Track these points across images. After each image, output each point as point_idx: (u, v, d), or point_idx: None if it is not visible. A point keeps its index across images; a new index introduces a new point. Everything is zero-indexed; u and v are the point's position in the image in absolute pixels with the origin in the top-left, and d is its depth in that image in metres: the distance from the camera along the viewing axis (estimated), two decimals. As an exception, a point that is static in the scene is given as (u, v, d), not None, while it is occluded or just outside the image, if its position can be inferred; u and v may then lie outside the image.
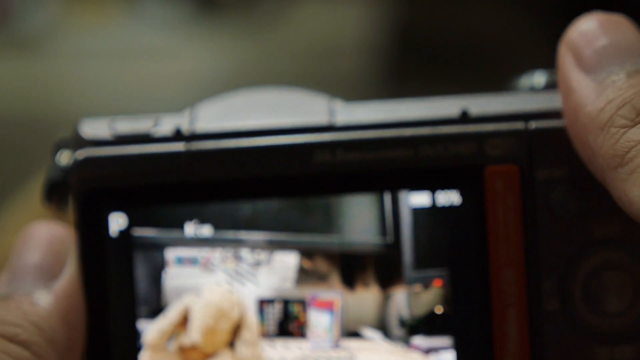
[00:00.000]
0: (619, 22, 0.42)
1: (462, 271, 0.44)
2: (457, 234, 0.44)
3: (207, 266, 0.45)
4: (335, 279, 0.45)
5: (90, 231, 0.44)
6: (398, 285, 0.45)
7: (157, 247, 0.45)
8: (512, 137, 0.43)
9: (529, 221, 0.44)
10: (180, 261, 0.45)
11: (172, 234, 0.45)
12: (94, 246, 0.44)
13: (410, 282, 0.45)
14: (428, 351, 0.45)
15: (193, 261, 0.45)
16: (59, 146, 0.45)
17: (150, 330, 0.45)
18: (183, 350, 0.45)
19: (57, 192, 0.45)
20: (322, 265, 0.45)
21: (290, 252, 0.45)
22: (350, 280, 0.45)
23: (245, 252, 0.45)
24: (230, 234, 0.45)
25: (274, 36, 1.73)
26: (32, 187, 1.20)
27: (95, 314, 0.44)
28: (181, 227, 0.45)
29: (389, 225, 0.45)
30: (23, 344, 0.40)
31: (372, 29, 1.66)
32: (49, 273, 0.43)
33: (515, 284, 0.43)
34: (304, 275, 0.45)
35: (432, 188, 0.44)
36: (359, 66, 1.65)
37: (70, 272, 0.43)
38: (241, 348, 0.45)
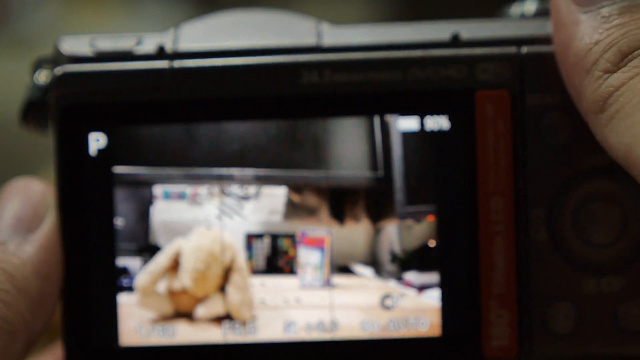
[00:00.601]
0: None
1: (450, 199, 0.43)
2: (445, 161, 0.43)
3: (194, 200, 0.44)
4: (324, 213, 0.44)
5: (69, 149, 0.43)
6: (389, 219, 0.44)
7: (144, 184, 0.44)
8: (503, 62, 0.43)
9: (518, 148, 0.43)
10: (168, 196, 0.44)
11: (160, 170, 0.44)
12: (72, 165, 0.43)
13: (403, 217, 0.44)
14: (421, 288, 0.44)
15: (180, 196, 0.44)
16: (38, 65, 0.44)
17: (141, 273, 0.44)
18: (173, 294, 0.44)
19: (35, 112, 0.44)
20: (311, 199, 0.44)
21: (279, 186, 0.44)
22: (339, 214, 0.44)
23: (233, 187, 0.44)
24: (218, 170, 0.44)
25: (274, 37, 1.73)
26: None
27: (72, 236, 0.43)
28: (169, 163, 0.44)
29: (379, 158, 0.44)
30: None
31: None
32: (26, 225, 0.42)
33: (503, 212, 0.43)
34: (293, 210, 0.44)
35: (421, 112, 0.43)
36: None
37: (48, 226, 0.42)
38: (232, 292, 0.44)
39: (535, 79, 0.42)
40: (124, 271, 0.44)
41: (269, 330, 0.44)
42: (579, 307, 0.43)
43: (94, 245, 0.43)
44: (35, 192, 0.43)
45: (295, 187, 0.44)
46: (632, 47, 0.37)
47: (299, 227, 0.44)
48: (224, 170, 0.44)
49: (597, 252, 0.43)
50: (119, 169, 0.44)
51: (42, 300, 0.41)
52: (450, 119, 0.43)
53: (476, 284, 0.43)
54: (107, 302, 0.43)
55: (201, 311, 0.44)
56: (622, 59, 0.37)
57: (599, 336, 0.43)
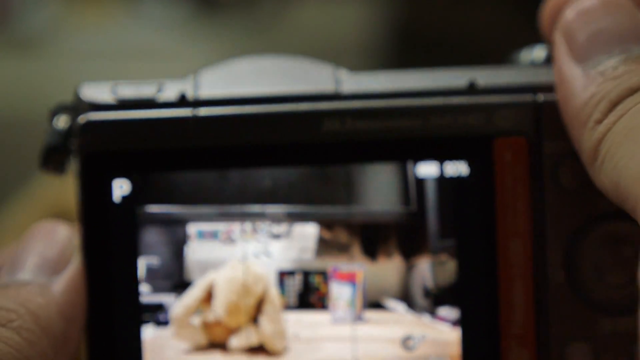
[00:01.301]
0: (615, 3, 0.41)
1: (470, 242, 0.44)
2: (464, 205, 0.44)
3: (227, 239, 0.45)
4: (356, 250, 0.45)
5: (93, 196, 0.43)
6: (422, 254, 0.44)
7: (178, 223, 0.45)
8: (520, 109, 0.43)
9: (536, 193, 0.44)
10: (202, 235, 0.45)
11: (192, 209, 0.45)
12: (96, 211, 0.43)
13: (436, 252, 0.44)
14: (455, 323, 0.44)
15: (213, 235, 0.45)
16: (57, 111, 0.45)
17: (176, 306, 0.44)
18: (207, 326, 0.45)
19: (54, 157, 0.45)
20: (342, 235, 0.45)
21: (310, 223, 0.45)
22: (371, 251, 0.45)
23: (264, 225, 0.45)
24: (248, 208, 0.44)
25: (273, 36, 1.73)
26: (32, 187, 1.20)
27: (96, 281, 0.43)
28: (200, 202, 0.45)
29: (412, 193, 0.44)
30: (16, 329, 0.40)
31: (372, 28, 1.66)
32: (52, 267, 0.42)
33: (522, 255, 0.43)
34: (324, 246, 0.45)
35: (441, 158, 0.44)
36: (358, 66, 1.65)
37: (73, 268, 0.43)
38: (265, 323, 0.45)
39: (552, 126, 0.43)
40: (160, 307, 0.44)
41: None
42: (596, 347, 0.43)
43: (118, 287, 0.43)
44: (61, 234, 0.43)
45: (327, 223, 0.44)
46: (621, 96, 0.38)
47: (330, 264, 0.45)
48: (256, 208, 0.44)
49: (613, 292, 0.43)
50: (149, 209, 0.44)
51: (65, 341, 0.41)
52: (469, 165, 0.44)
53: (496, 324, 0.44)
54: (131, 340, 0.44)
55: (235, 342, 0.44)
56: (610, 109, 0.38)
57: None
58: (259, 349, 0.44)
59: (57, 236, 0.43)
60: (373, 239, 0.44)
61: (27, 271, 0.42)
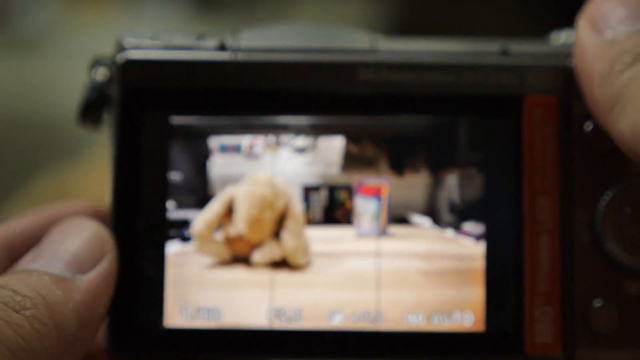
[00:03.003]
0: None
1: (498, 199, 0.44)
2: (494, 161, 0.44)
3: (251, 153, 0.44)
4: (383, 164, 0.44)
5: (127, 132, 0.44)
6: (450, 168, 0.44)
7: (199, 135, 0.44)
8: (552, 71, 0.44)
9: (565, 152, 0.44)
10: (224, 149, 0.45)
11: (214, 120, 0.44)
12: (129, 135, 0.44)
13: (464, 165, 0.44)
14: (479, 237, 0.44)
15: (236, 149, 0.45)
16: (95, 63, 0.45)
17: (197, 221, 0.44)
18: (230, 241, 0.45)
19: (92, 110, 0.45)
20: (369, 149, 0.44)
21: (336, 136, 0.44)
22: (399, 165, 0.44)
23: (288, 138, 0.44)
24: (273, 120, 0.44)
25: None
26: (33, 187, 1.19)
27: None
28: (223, 113, 0.44)
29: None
30: (29, 318, 0.38)
31: (372, 27, 1.66)
32: (80, 265, 0.41)
33: (549, 212, 0.44)
34: (351, 161, 0.44)
35: (472, 114, 0.44)
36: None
37: (101, 271, 0.42)
38: (287, 238, 0.44)
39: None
40: (185, 223, 0.44)
41: (322, 275, 0.44)
42: (621, 309, 0.44)
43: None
44: (96, 234, 0.42)
45: (353, 137, 0.44)
46: None
47: (356, 178, 0.44)
48: (280, 119, 0.44)
49: (639, 255, 0.44)
50: (175, 120, 0.44)
51: (75, 342, 0.39)
52: (500, 122, 0.44)
53: (520, 280, 0.44)
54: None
55: (257, 256, 0.44)
56: (634, 61, 0.41)
57: None
58: (282, 263, 0.44)
59: (92, 234, 0.42)
60: (400, 152, 0.44)
61: (53, 263, 0.41)
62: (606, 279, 0.44)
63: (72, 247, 0.41)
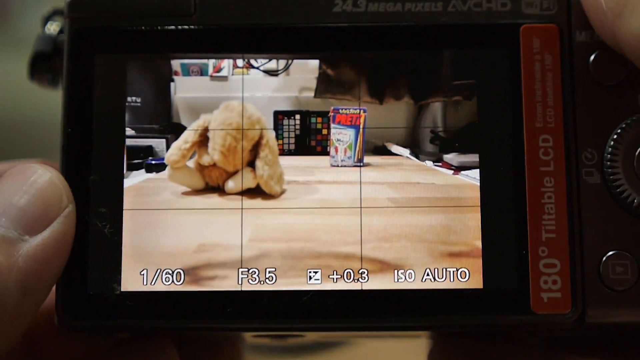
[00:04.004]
0: None
1: (495, 138, 0.40)
2: (489, 97, 0.41)
3: (218, 76, 0.42)
4: (362, 90, 0.42)
5: (79, 72, 0.41)
6: (434, 96, 0.42)
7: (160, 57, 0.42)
8: None
9: (567, 86, 0.40)
10: (187, 71, 0.42)
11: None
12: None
13: (450, 93, 0.41)
14: (458, 168, 0.41)
15: (202, 70, 0.42)
16: (49, 16, 0.42)
17: (171, 148, 0.42)
18: (204, 169, 0.42)
19: (44, 65, 0.42)
20: (347, 73, 0.42)
21: (312, 53, 0.42)
22: (379, 91, 0.42)
23: (260, 59, 0.42)
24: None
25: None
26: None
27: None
28: (186, 53, 0.42)
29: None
30: None
31: None
32: (29, 224, 0.36)
33: (552, 151, 0.40)
34: (327, 84, 0.42)
35: (463, 47, 0.41)
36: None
37: (54, 233, 0.36)
38: (261, 166, 0.42)
39: (584, 16, 0.40)
40: (148, 150, 0.42)
41: (295, 202, 0.41)
42: (636, 258, 0.39)
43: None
44: (52, 186, 0.37)
45: (330, 59, 0.42)
46: None
47: (332, 104, 0.42)
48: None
49: None
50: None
51: (16, 315, 0.35)
52: (493, 54, 0.41)
53: (523, 228, 0.40)
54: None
55: (231, 184, 0.42)
56: None
57: None
58: (256, 191, 0.42)
59: (48, 188, 0.37)
60: (382, 78, 0.41)
61: (1, 217, 0.36)
62: (620, 226, 0.39)
63: (21, 201, 0.36)
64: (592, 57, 0.40)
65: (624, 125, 0.40)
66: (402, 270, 0.40)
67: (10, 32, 1.70)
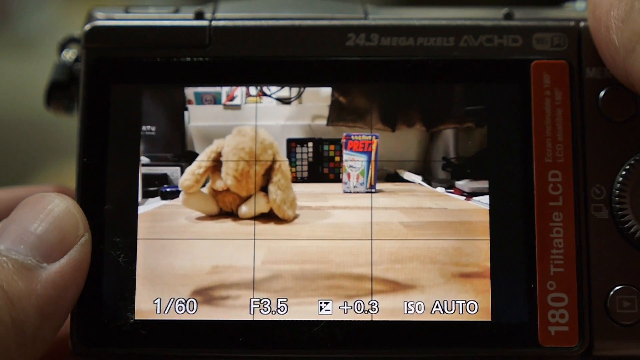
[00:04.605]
0: None
1: (505, 173, 0.41)
2: (498, 133, 0.41)
3: (231, 104, 0.43)
4: (374, 117, 0.43)
5: (96, 102, 0.41)
6: (446, 122, 0.42)
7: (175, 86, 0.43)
8: (560, 33, 0.41)
9: (577, 121, 0.41)
10: (200, 99, 0.43)
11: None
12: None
13: (461, 119, 0.42)
14: (470, 194, 0.42)
15: (215, 99, 0.43)
16: (65, 43, 0.43)
17: (184, 174, 0.43)
18: (217, 194, 0.43)
19: (60, 93, 0.43)
20: (359, 100, 0.43)
21: (324, 86, 0.42)
22: (391, 119, 0.43)
23: (273, 89, 0.43)
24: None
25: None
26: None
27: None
28: (201, 85, 0.42)
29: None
30: None
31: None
32: (47, 251, 0.37)
33: (561, 187, 0.41)
34: (339, 112, 0.43)
35: (474, 81, 0.41)
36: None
37: (71, 261, 0.37)
38: (274, 191, 0.43)
39: (594, 53, 0.41)
40: (163, 178, 0.43)
41: (308, 226, 0.42)
42: None
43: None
44: (69, 215, 0.38)
45: (342, 87, 0.42)
46: None
47: (344, 132, 0.43)
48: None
49: None
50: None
51: (34, 340, 0.36)
52: (504, 89, 0.41)
53: (532, 262, 0.40)
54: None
55: (245, 209, 0.42)
56: None
57: None
58: (270, 215, 0.43)
59: (65, 217, 0.38)
60: (393, 105, 0.42)
61: (17, 247, 0.36)
62: (627, 261, 0.40)
63: (39, 229, 0.37)
64: (601, 94, 0.41)
65: (632, 162, 0.41)
66: (412, 302, 0.41)
67: (10, 32, 1.70)
